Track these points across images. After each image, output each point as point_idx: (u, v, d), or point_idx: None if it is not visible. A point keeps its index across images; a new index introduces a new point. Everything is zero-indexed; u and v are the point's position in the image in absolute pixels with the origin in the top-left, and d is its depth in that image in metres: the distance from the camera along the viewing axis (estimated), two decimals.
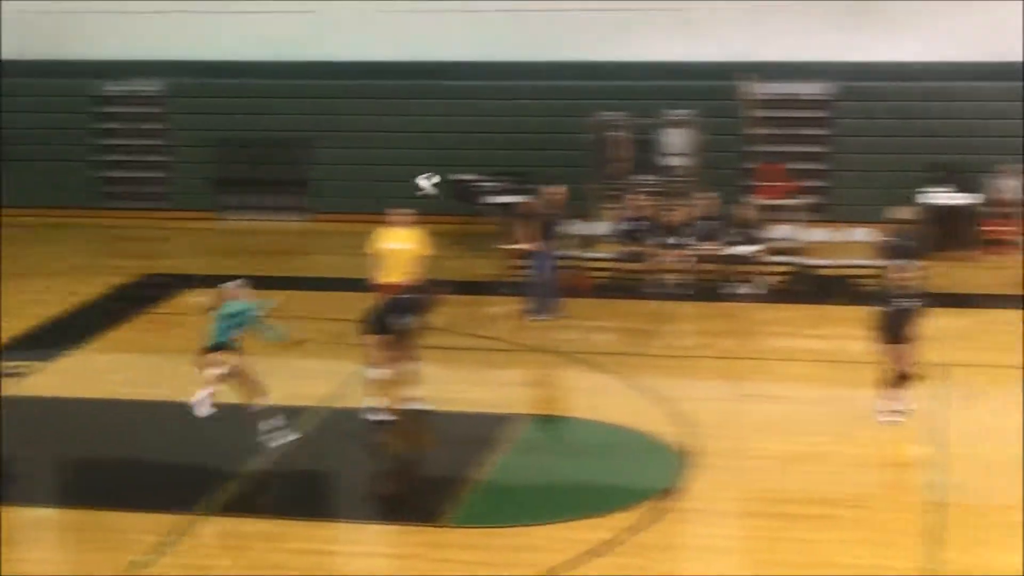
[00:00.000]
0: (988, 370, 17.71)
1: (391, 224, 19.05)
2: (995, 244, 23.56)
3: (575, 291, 20.97)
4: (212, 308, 15.15)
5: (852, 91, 26.00)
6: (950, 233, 23.25)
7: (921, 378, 15.69)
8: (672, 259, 21.92)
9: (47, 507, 13.84)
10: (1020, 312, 20.17)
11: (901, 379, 15.57)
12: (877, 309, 15.70)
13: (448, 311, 17.66)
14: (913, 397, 15.64)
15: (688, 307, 21.11)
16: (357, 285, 18.72)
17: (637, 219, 22.46)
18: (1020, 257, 21.91)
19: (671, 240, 22.06)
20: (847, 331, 17.65)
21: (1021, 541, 12.61)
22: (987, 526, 13.00)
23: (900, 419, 15.49)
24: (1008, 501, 13.56)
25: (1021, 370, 17.51)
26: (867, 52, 25.86)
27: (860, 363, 16.20)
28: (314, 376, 17.16)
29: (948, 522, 13.04)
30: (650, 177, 24.61)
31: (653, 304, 21.11)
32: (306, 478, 14.60)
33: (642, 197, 23.04)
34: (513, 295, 20.65)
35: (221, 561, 12.55)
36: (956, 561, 12.26)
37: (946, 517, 13.15)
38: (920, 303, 15.68)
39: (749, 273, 21.86)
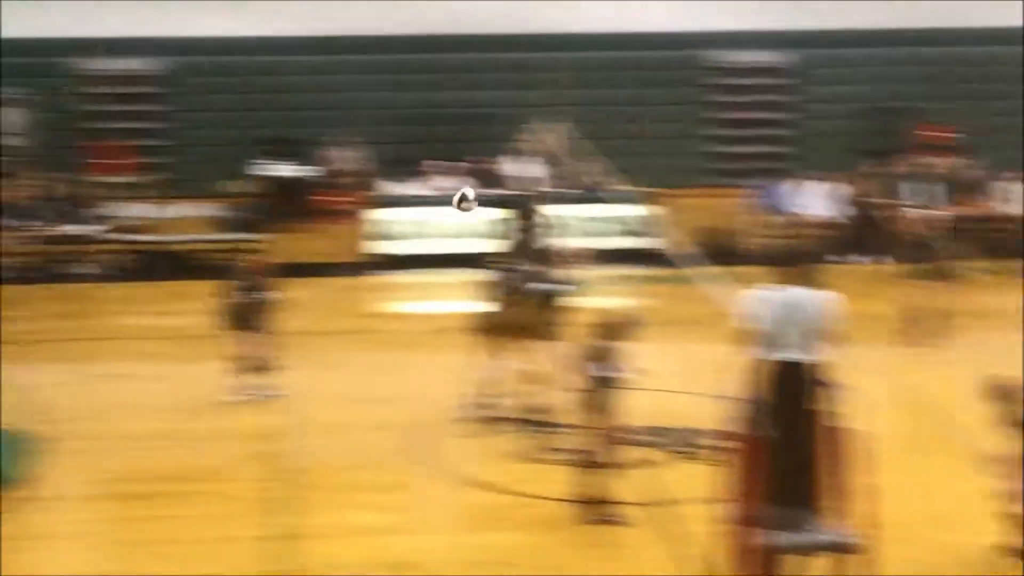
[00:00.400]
0: (333, 336, 18.36)
1: None
2: (331, 214, 24.36)
3: None
4: None
5: (190, 66, 26.13)
6: (287, 205, 23.86)
7: (274, 359, 16.07)
8: (10, 241, 21.36)
9: None
10: (357, 279, 21.02)
11: (255, 360, 15.88)
12: (227, 292, 15.91)
13: None
14: (269, 376, 15.99)
15: (30, 290, 20.65)
16: None
17: None
18: (354, 226, 22.76)
19: (8, 221, 21.49)
20: (194, 307, 17.83)
21: (368, 500, 13.22)
22: (339, 488, 13.53)
23: (257, 396, 15.82)
24: (354, 462, 14.17)
25: (362, 335, 18.29)
26: (201, 27, 26.04)
27: (210, 338, 16.40)
28: None
29: (303, 487, 13.47)
30: None
31: None
32: None
33: None
34: None
35: None
36: (310, 524, 12.70)
37: (301, 483, 13.58)
38: (270, 282, 16.03)
39: (91, 252, 21.62)
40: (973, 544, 12.72)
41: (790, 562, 10.56)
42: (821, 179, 22.83)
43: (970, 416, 15.33)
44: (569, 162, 23.65)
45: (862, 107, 26.83)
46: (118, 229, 21.94)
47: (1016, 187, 23.14)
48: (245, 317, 15.76)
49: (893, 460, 14.58)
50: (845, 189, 22.81)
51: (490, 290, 15.30)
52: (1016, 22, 27.08)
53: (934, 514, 13.61)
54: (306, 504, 13.13)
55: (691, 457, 14.73)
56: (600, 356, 12.68)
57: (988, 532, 12.28)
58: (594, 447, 13.04)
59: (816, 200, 22.69)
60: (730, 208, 23.75)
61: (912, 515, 13.68)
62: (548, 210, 16.92)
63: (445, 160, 23.70)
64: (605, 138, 25.91)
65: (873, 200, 22.63)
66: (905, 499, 14.04)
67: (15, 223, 21.25)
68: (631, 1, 26.64)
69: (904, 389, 16.63)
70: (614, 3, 26.55)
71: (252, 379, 15.87)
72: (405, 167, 24.07)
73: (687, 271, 21.02)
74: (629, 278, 21.71)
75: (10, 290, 20.47)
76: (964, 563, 12.49)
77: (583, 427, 12.92)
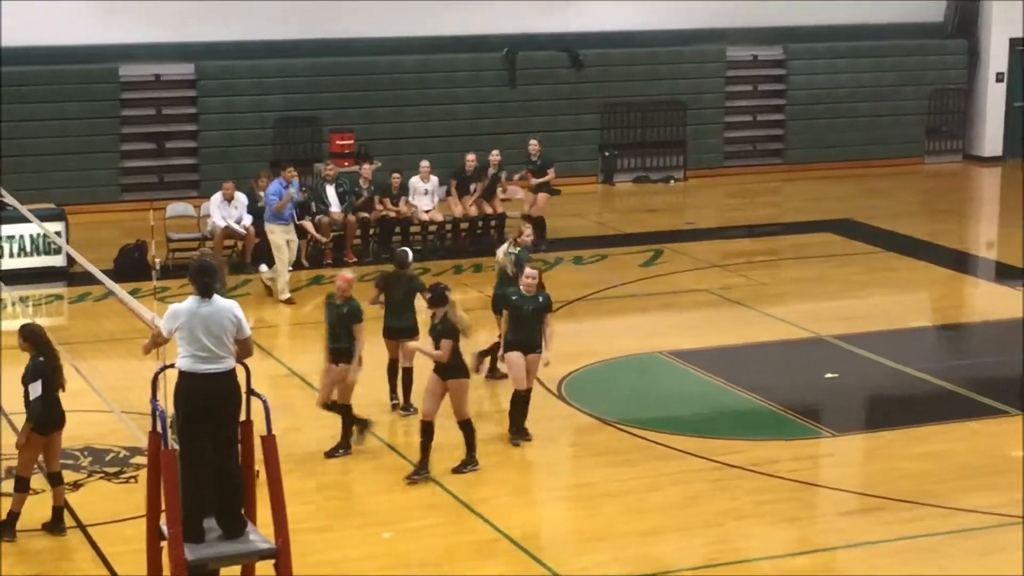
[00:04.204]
0: None
1: None
2: None
3: None
4: None
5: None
6: None
7: None
8: None
9: None
10: None
11: None
12: None
13: None
14: None
15: None
16: None
17: None
18: None
19: None
20: None
21: None
22: None
23: None
24: None
25: None
26: None
27: None
28: None
29: None
30: None
31: None
32: None
33: None
34: None
35: None
36: None
37: None
38: None
39: None
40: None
41: (215, 573, 10.77)
42: (231, 190, 23.06)
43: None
44: None
45: (267, 117, 27.28)
46: None
47: (418, 184, 24.10)
48: None
49: (314, 463, 15.12)
50: (249, 190, 23.13)
51: None
52: (412, 32, 28.31)
53: (362, 511, 14.21)
54: None
55: (117, 476, 14.74)
56: None
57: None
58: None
59: (229, 211, 22.90)
60: (145, 222, 23.66)
61: (339, 514, 14.20)
62: None
63: None
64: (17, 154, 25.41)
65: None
66: (329, 497, 14.56)
67: None
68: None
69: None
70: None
71: None
72: None
73: (102, 288, 20.85)
74: (38, 297, 21.37)
75: None
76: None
77: None
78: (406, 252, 17.07)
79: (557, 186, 25.33)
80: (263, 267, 22.33)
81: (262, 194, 22.89)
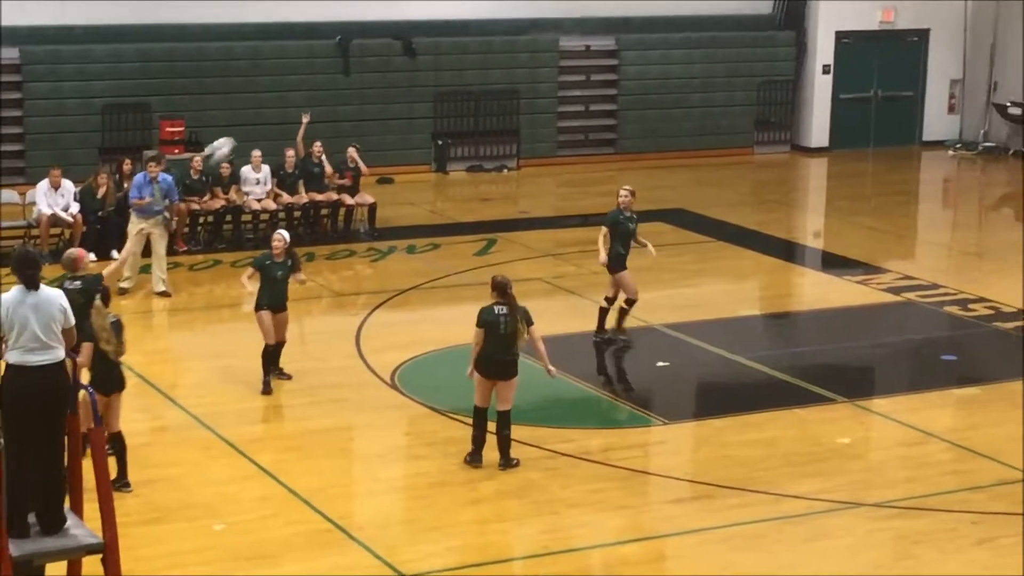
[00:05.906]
0: None
1: None
2: None
3: None
4: None
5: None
6: None
7: None
8: None
9: None
10: None
11: None
12: None
13: None
14: None
15: None
16: None
17: None
18: None
19: None
20: None
21: None
22: None
23: None
24: None
25: None
26: None
27: None
28: None
29: None
30: None
31: None
32: None
33: None
34: None
35: None
36: None
37: None
38: None
39: None
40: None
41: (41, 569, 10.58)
42: (58, 177, 22.65)
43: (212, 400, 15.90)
44: None
45: (95, 103, 26.84)
46: None
47: (250, 174, 23.91)
48: None
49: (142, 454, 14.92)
50: (87, 186, 22.77)
51: None
52: (244, 19, 28.07)
53: (192, 504, 14.05)
54: None
55: None
56: None
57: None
58: None
59: (55, 199, 22.51)
60: None
61: (168, 507, 14.04)
62: None
63: None
64: None
65: (115, 197, 22.70)
66: (158, 489, 14.39)
67: None
68: None
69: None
70: None
71: None
72: None
73: None
74: None
75: None
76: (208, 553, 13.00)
77: None
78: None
79: (390, 175, 25.16)
80: (114, 252, 21.89)
81: (103, 190, 22.56)
